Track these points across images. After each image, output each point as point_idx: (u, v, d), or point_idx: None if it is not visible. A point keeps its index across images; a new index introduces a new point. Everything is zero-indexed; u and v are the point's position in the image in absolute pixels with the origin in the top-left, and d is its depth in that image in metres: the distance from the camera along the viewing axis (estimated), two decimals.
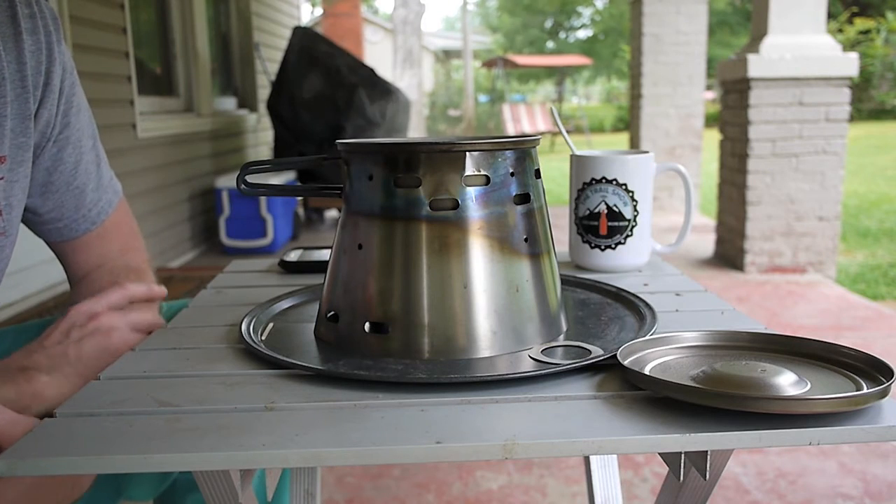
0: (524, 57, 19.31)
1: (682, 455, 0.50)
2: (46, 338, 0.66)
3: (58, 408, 0.51)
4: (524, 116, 13.08)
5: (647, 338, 0.58)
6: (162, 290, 0.77)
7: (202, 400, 0.52)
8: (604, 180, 0.88)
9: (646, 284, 0.85)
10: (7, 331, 0.81)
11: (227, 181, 4.34)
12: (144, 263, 0.85)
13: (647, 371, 0.53)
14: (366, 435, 0.46)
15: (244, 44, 5.69)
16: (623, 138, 14.20)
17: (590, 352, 0.59)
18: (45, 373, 0.63)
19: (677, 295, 0.79)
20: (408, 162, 0.59)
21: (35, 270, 2.66)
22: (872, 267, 3.98)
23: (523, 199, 0.62)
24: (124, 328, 0.69)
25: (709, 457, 0.48)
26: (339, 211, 0.67)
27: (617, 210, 0.89)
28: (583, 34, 24.02)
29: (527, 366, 0.57)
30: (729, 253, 3.83)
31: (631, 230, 0.89)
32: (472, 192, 0.59)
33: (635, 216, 0.89)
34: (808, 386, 0.49)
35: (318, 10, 17.84)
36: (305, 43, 4.87)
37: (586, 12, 23.29)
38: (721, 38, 17.48)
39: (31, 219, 0.77)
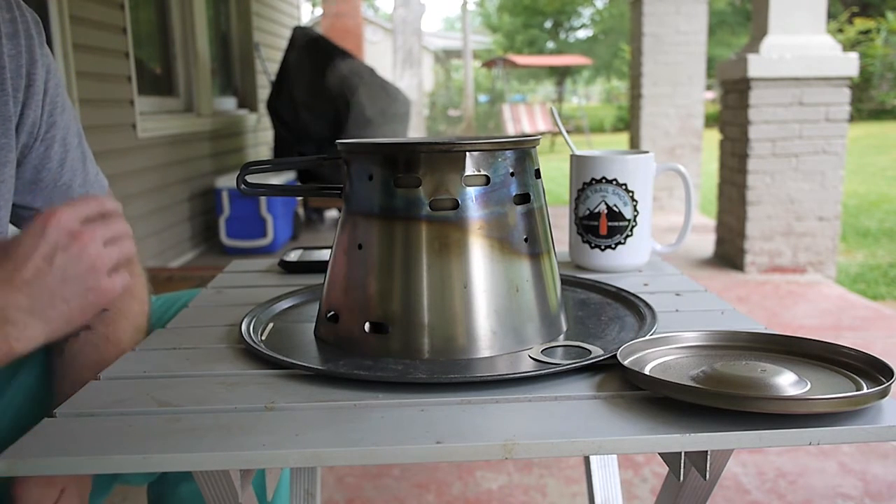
0: (524, 57, 19.30)
1: (682, 455, 0.49)
2: (25, 262, 0.57)
3: (57, 408, 0.51)
4: (524, 116, 13.08)
5: (647, 338, 0.58)
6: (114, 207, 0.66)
7: (202, 400, 0.52)
8: (604, 180, 0.88)
9: (646, 284, 0.84)
10: None
11: (227, 181, 4.35)
12: (133, 255, 0.85)
13: (647, 371, 0.53)
14: (366, 435, 0.46)
15: (244, 44, 5.69)
16: (623, 138, 14.20)
17: (590, 352, 0.59)
18: (25, 314, 0.56)
19: (677, 295, 0.79)
20: (408, 162, 0.59)
21: None
22: (872, 267, 3.98)
23: (523, 199, 0.62)
24: (103, 254, 0.60)
25: (709, 457, 0.48)
26: (339, 211, 0.67)
27: (617, 210, 0.89)
28: (583, 34, 24.04)
29: (527, 366, 0.57)
30: (729, 253, 3.83)
31: (631, 230, 0.89)
32: (472, 192, 0.59)
33: (635, 216, 0.89)
34: (808, 386, 0.49)
35: (318, 10, 17.84)
36: (305, 43, 4.87)
37: (586, 12, 23.30)
38: (721, 38, 17.49)
39: (22, 215, 0.78)
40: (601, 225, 0.89)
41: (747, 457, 1.82)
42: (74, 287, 0.58)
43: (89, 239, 0.59)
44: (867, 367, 0.52)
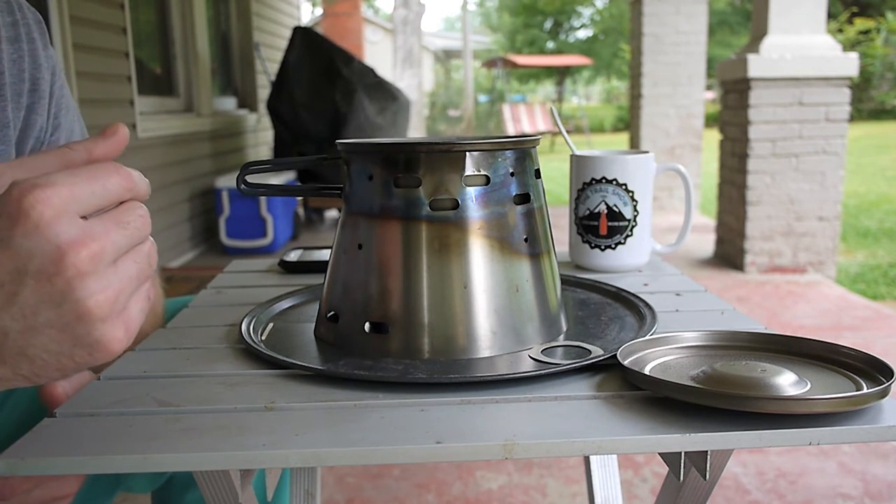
0: (524, 57, 19.30)
1: (682, 455, 0.49)
2: None
3: (57, 408, 0.51)
4: (524, 116, 13.08)
5: (647, 338, 0.58)
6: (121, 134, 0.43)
7: (202, 400, 0.52)
8: (604, 180, 0.88)
9: (646, 284, 0.84)
10: None
11: (227, 181, 4.35)
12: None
13: (647, 371, 0.53)
14: (366, 435, 0.46)
15: (244, 44, 5.69)
16: (623, 138, 14.20)
17: (590, 352, 0.59)
18: None
19: (677, 295, 0.79)
20: (408, 162, 0.59)
21: None
22: (872, 267, 3.98)
23: (523, 199, 0.62)
24: (109, 290, 0.36)
25: (709, 457, 0.48)
26: (339, 211, 0.67)
27: (617, 210, 0.89)
28: (583, 34, 24.05)
29: (527, 366, 0.57)
30: (729, 253, 3.83)
31: (631, 230, 0.89)
32: (472, 192, 0.59)
33: (635, 216, 0.89)
34: (808, 386, 0.49)
35: (318, 10, 17.85)
36: (305, 43, 4.87)
37: (586, 12, 23.31)
38: (721, 38, 17.49)
39: None
40: (601, 225, 0.89)
41: (747, 457, 1.82)
42: (50, 340, 0.35)
43: (88, 260, 0.34)
44: (867, 367, 0.52)
